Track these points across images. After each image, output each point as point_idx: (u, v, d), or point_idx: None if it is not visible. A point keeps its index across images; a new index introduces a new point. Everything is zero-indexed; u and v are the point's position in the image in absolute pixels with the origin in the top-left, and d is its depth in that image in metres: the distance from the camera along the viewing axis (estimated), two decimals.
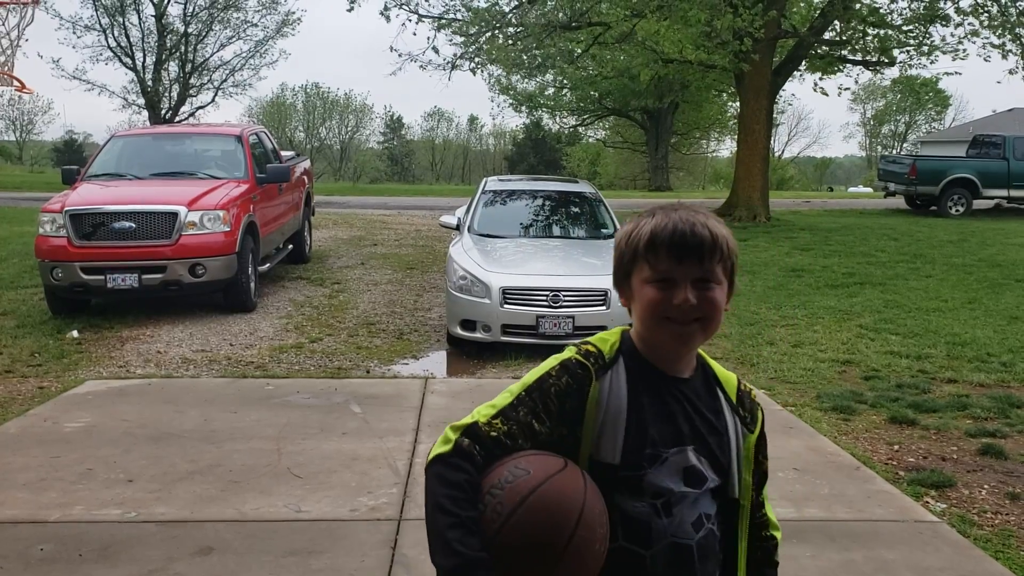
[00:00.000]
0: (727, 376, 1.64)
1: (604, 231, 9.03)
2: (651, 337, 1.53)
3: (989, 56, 16.58)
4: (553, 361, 1.55)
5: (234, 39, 35.71)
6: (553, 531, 1.38)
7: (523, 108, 36.76)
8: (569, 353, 1.56)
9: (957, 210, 19.53)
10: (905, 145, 60.91)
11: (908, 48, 17.34)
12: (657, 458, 1.49)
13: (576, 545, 1.39)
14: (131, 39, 34.52)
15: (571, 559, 1.39)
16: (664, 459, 1.50)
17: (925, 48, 17.14)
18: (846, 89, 31.77)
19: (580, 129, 45.29)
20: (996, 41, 16.27)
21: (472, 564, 1.36)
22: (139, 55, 34.85)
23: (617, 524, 1.47)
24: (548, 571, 1.39)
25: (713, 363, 1.64)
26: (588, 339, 1.60)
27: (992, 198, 20.19)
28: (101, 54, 34.66)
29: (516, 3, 18.75)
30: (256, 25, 35.15)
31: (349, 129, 63.61)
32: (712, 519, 1.54)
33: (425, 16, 18.73)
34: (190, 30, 34.81)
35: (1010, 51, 16.14)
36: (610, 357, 1.54)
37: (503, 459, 1.46)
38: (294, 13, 35.70)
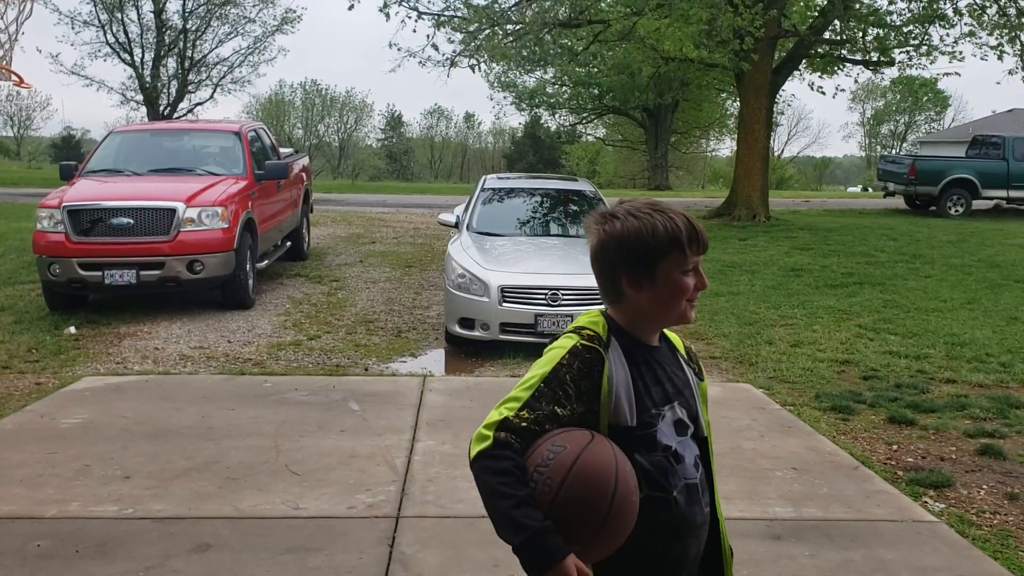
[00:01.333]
0: (674, 337, 1.94)
1: None
2: (665, 315, 1.79)
3: (986, 56, 16.57)
4: (560, 351, 1.73)
5: (232, 35, 35.65)
6: (599, 493, 1.61)
7: (524, 104, 36.71)
8: (573, 340, 1.74)
9: (956, 210, 19.54)
10: (904, 145, 60.93)
11: (907, 48, 17.33)
12: (659, 416, 1.76)
13: (619, 500, 1.62)
14: (130, 35, 34.39)
15: (616, 513, 1.62)
16: (663, 417, 1.77)
17: (924, 48, 17.13)
18: (841, 90, 31.80)
19: (579, 127, 45.26)
20: (992, 42, 16.26)
21: (542, 532, 1.57)
22: (138, 51, 34.71)
23: (640, 478, 1.70)
24: (600, 527, 1.62)
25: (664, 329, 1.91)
26: (579, 325, 1.79)
27: (991, 198, 20.19)
28: (100, 50, 34.54)
29: (515, 0, 18.72)
30: (254, 21, 35.07)
31: (348, 126, 63.55)
32: (699, 458, 1.83)
33: (425, 13, 18.68)
34: (189, 26, 34.72)
35: (1006, 52, 16.12)
36: (605, 337, 1.76)
37: (537, 442, 1.65)
38: (294, 11, 35.58)
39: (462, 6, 18.82)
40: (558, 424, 1.67)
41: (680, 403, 1.80)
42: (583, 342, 1.72)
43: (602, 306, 1.86)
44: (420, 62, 20.31)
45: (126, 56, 34.50)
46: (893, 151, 56.92)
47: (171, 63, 35.83)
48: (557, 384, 1.68)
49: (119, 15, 33.94)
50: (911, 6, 16.93)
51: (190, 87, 36.35)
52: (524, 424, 1.65)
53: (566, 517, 1.60)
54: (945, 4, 16.52)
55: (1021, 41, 16.01)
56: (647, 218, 1.74)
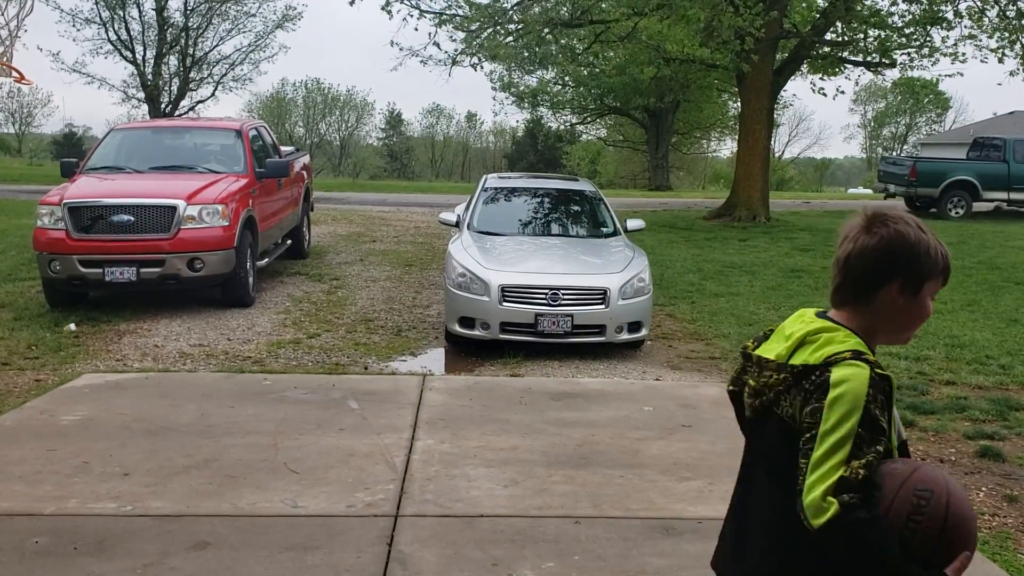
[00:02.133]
0: None
1: (604, 230, 9.02)
2: (903, 330, 1.85)
3: (986, 59, 16.56)
4: (861, 385, 1.71)
5: (233, 32, 35.64)
6: (970, 531, 1.69)
7: (525, 103, 36.69)
8: (865, 370, 1.72)
9: (957, 212, 19.53)
10: (905, 147, 60.92)
11: (908, 50, 17.32)
12: None
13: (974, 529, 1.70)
14: (131, 32, 34.36)
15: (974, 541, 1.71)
16: None
17: (926, 50, 17.11)
18: (842, 92, 31.73)
19: (580, 127, 45.24)
20: (993, 45, 16.25)
21: None
22: (139, 49, 34.72)
23: None
24: (971, 552, 1.70)
25: None
26: (855, 350, 1.75)
27: (992, 200, 20.18)
28: (101, 47, 34.49)
29: None
30: (255, 16, 35.06)
31: (349, 125, 63.57)
32: None
33: (426, 11, 18.66)
34: (190, 24, 34.72)
35: (1006, 55, 16.10)
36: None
37: (885, 481, 1.68)
38: (295, 8, 35.50)
39: (464, 4, 18.82)
40: (882, 457, 1.71)
41: None
42: (878, 371, 1.73)
43: (812, 311, 1.87)
44: (422, 60, 20.32)
45: (127, 53, 34.50)
46: (894, 153, 56.92)
47: (173, 61, 35.85)
48: (871, 423, 1.70)
49: (120, 12, 33.95)
50: (911, 8, 16.93)
51: (192, 85, 36.35)
52: (862, 474, 1.66)
53: (947, 553, 1.66)
54: (945, 7, 16.51)
55: (1022, 43, 15.99)
56: (933, 238, 1.79)
